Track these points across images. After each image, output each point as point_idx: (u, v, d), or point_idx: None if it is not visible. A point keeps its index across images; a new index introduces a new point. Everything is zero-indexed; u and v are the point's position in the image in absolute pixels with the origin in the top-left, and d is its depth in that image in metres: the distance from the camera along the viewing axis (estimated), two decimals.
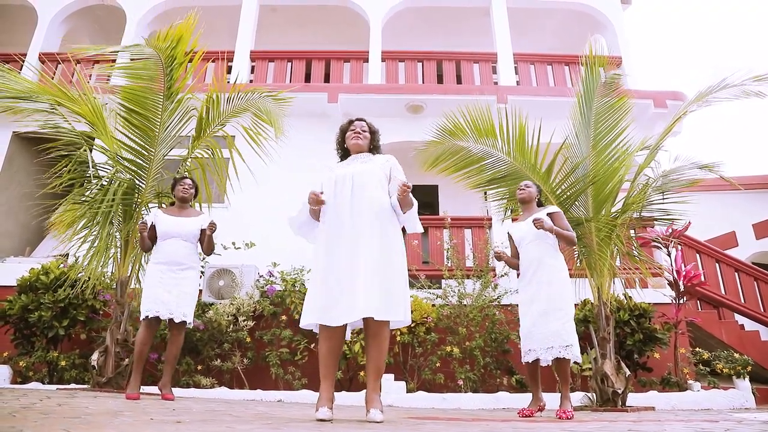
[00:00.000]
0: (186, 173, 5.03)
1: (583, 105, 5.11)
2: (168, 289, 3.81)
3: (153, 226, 3.95)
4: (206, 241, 4.00)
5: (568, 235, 3.50)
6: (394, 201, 2.66)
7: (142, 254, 4.74)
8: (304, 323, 2.52)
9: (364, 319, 2.50)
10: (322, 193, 2.60)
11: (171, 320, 3.84)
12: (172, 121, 4.96)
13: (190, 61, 4.96)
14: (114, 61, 8.40)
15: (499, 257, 3.61)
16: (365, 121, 2.90)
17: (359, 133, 2.82)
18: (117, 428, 1.75)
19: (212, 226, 3.90)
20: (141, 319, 3.79)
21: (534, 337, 3.43)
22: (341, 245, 2.54)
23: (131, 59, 4.85)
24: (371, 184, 2.64)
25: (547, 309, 3.40)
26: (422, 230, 2.76)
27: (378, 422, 2.33)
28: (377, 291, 2.40)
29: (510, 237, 3.77)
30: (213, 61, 7.75)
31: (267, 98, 5.13)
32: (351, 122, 2.88)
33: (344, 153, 2.92)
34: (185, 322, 3.89)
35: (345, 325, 2.51)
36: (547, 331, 3.36)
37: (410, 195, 2.64)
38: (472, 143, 5.08)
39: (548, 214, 3.55)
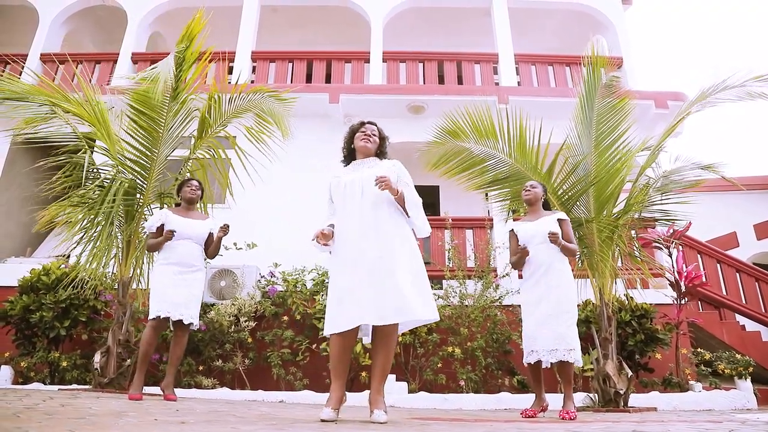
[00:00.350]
0: (189, 174, 5.04)
1: (584, 105, 5.11)
2: (179, 290, 3.81)
3: (162, 226, 3.93)
4: (214, 244, 4.00)
5: (573, 248, 3.52)
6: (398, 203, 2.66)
7: (143, 255, 4.73)
8: (326, 332, 2.53)
9: None
10: (328, 233, 2.62)
11: (178, 322, 3.83)
12: (176, 121, 4.96)
13: (197, 61, 4.96)
14: (116, 62, 8.44)
15: (525, 253, 3.55)
16: (377, 126, 2.91)
17: (369, 135, 2.83)
18: (122, 428, 1.75)
19: (225, 229, 3.88)
20: (150, 318, 3.77)
21: (538, 338, 3.43)
22: (351, 250, 2.56)
23: (150, 73, 4.78)
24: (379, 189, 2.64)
25: (556, 311, 3.40)
26: (429, 233, 2.74)
27: (382, 423, 2.34)
28: (388, 295, 2.40)
29: (513, 236, 3.71)
30: (214, 62, 7.75)
31: (270, 98, 5.14)
32: (363, 124, 2.89)
33: (349, 153, 2.92)
34: (192, 324, 3.89)
35: (357, 326, 2.51)
36: (554, 333, 3.36)
37: (411, 192, 2.64)
38: (474, 144, 5.08)
39: (558, 220, 3.56)
